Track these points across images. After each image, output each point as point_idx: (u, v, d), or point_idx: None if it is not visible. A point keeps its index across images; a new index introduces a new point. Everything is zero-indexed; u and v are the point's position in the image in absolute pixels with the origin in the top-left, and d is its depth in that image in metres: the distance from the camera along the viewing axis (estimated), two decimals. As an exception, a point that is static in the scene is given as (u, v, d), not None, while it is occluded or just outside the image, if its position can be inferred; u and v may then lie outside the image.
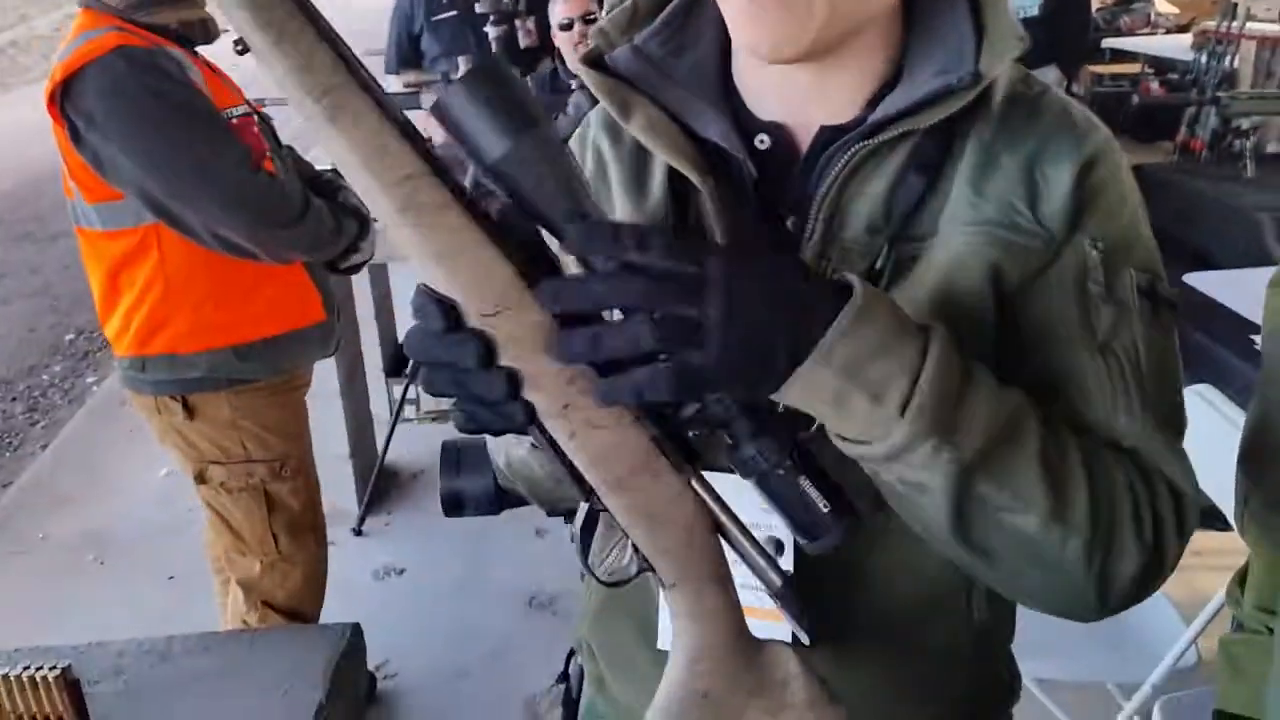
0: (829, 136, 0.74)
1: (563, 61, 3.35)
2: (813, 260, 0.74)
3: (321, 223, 1.94)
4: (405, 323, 3.53)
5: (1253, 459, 0.79)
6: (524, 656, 2.52)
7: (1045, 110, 0.74)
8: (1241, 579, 0.86)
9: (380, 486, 3.16)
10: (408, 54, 4.16)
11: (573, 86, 3.24)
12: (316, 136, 0.53)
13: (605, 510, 0.60)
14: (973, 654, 0.85)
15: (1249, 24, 4.31)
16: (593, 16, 3.08)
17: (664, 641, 0.83)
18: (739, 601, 0.64)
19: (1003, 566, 0.68)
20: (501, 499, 1.08)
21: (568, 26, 3.08)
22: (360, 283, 2.99)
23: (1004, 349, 0.72)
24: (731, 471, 0.61)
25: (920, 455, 0.61)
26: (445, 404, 3.90)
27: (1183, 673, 1.78)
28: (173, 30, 1.86)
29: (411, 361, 2.91)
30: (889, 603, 0.80)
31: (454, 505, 1.27)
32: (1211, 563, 2.06)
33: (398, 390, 3.13)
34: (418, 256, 0.55)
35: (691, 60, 0.79)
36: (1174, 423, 0.73)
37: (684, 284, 0.54)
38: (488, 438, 0.90)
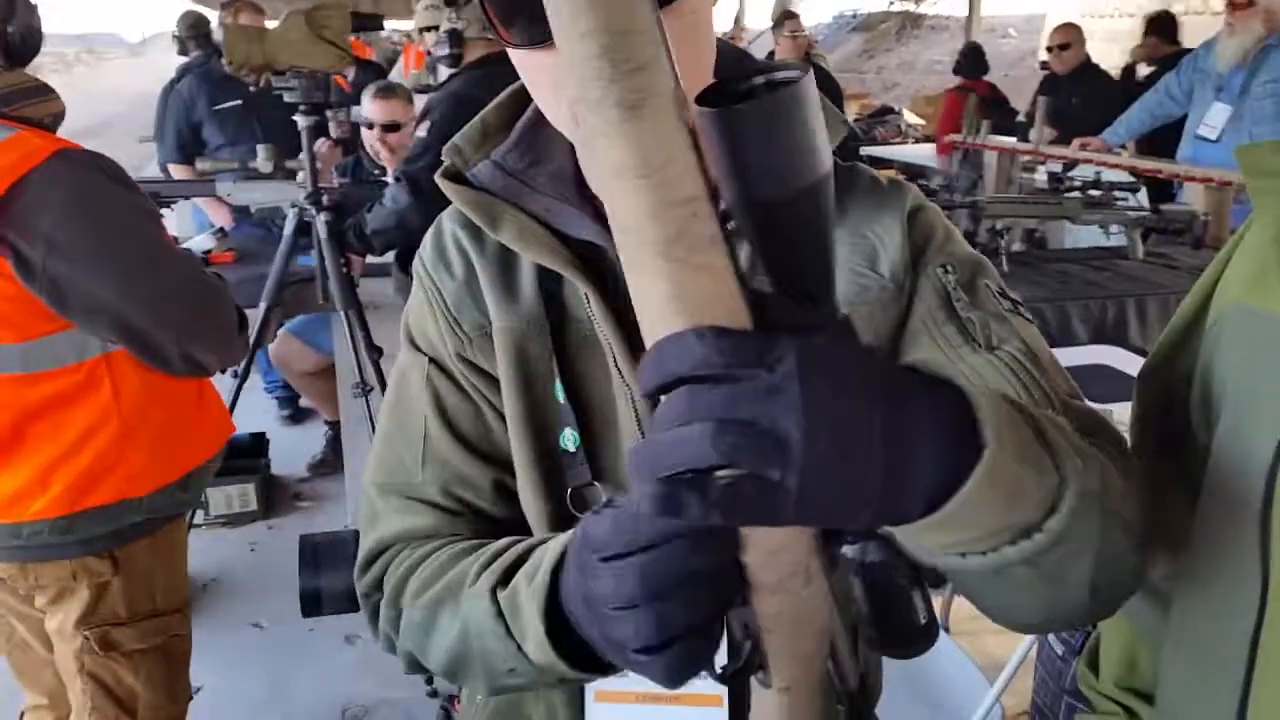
0: None
1: (366, 154, 3.54)
2: None
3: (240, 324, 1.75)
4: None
5: None
6: (340, 775, 2.36)
7: (857, 180, 0.84)
8: (1090, 661, 0.88)
9: (167, 599, 2.91)
10: (189, 143, 4.00)
11: (376, 176, 3.37)
12: (588, 125, 0.40)
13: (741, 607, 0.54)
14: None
15: (990, 136, 4.84)
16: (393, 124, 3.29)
17: None
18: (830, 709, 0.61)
19: (1101, 596, 0.63)
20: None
21: (370, 126, 3.31)
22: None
23: None
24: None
25: (1084, 508, 0.55)
26: (235, 508, 3.61)
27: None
28: (45, 125, 1.57)
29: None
30: None
31: (313, 604, 1.21)
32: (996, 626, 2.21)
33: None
34: (664, 300, 0.43)
35: (550, 170, 0.83)
36: (1076, 394, 0.76)
37: (754, 390, 0.42)
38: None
